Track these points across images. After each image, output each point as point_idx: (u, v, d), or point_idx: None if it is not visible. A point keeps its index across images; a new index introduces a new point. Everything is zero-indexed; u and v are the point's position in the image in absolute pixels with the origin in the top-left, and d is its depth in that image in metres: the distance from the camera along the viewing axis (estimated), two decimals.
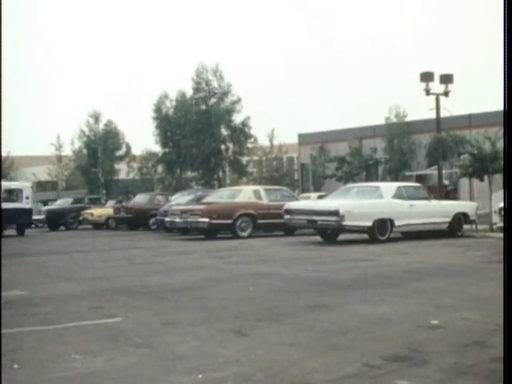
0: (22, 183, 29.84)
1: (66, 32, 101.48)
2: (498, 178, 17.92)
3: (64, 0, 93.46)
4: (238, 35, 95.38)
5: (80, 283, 10.01)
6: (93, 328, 6.41)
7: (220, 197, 22.16)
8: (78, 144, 49.10)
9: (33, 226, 33.59)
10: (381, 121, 38.56)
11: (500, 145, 19.18)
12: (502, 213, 13.66)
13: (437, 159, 27.29)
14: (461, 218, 18.81)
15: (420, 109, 42.51)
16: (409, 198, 17.86)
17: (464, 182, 28.33)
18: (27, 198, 26.47)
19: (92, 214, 31.14)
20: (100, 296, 8.52)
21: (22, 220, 26.16)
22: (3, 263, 11.30)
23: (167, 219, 21.86)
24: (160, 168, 46.90)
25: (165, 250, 16.56)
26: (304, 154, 42.43)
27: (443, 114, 26.66)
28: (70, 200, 34.40)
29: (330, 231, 17.85)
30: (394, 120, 38.25)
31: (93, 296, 8.53)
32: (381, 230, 17.08)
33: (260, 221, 20.49)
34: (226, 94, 42.65)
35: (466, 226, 19.15)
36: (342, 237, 18.09)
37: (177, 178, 45.18)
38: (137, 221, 27.57)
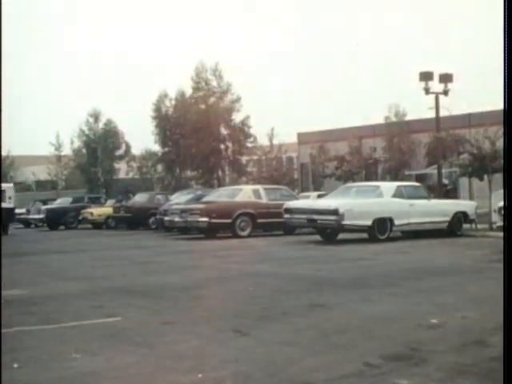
0: (5, 184, 30.40)
1: (65, 31, 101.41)
2: (498, 177, 17.92)
3: (64, 0, 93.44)
4: (237, 34, 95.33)
5: (80, 282, 10.01)
6: (93, 327, 6.41)
7: (219, 196, 22.14)
8: (77, 143, 49.16)
9: (32, 225, 33.66)
10: (380, 120, 38.60)
11: (499, 144, 19.17)
12: (502, 212, 13.66)
13: (436, 158, 27.28)
14: (460, 218, 18.81)
15: (419, 108, 42.57)
16: (408, 198, 17.85)
17: (464, 182, 28.30)
18: (10, 198, 27.25)
19: (92, 214, 31.10)
20: (100, 295, 8.52)
21: (5, 219, 26.56)
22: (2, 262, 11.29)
23: (167, 218, 21.85)
24: (159, 167, 46.90)
25: (164, 250, 16.56)
26: (303, 154, 42.39)
27: (443, 113, 26.70)
28: (70, 199, 34.35)
29: (330, 230, 17.84)
30: (394, 119, 38.27)
31: (93, 295, 8.53)
32: (380, 229, 17.07)
33: (259, 220, 20.47)
34: (225, 93, 42.67)
35: (465, 225, 19.15)
36: (341, 236, 18.09)
37: (176, 177, 45.18)
38: (136, 220, 27.53)
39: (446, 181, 31.02)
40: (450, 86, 25.57)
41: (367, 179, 33.60)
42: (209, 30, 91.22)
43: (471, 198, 25.71)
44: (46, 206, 33.51)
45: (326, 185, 35.99)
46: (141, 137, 59.15)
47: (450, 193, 29.65)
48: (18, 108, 75.32)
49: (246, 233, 20.21)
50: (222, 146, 43.40)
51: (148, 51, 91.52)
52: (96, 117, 48.62)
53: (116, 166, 48.84)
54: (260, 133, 43.64)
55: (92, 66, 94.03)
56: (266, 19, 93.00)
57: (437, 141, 27.14)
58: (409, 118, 37.97)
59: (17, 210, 35.90)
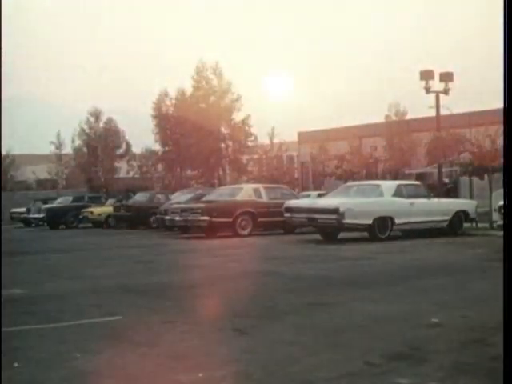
0: None
1: (66, 30, 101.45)
2: (498, 176, 17.90)
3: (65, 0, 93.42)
4: (237, 33, 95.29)
5: (79, 281, 10.01)
6: (93, 326, 6.41)
7: (220, 195, 22.14)
8: (77, 142, 49.14)
9: (33, 224, 33.66)
10: (381, 119, 38.60)
11: (500, 142, 19.15)
12: (502, 211, 13.65)
13: (437, 157, 27.26)
14: (461, 217, 18.79)
15: (420, 107, 42.52)
16: (409, 197, 17.84)
17: (464, 181, 28.30)
18: None
19: (92, 213, 31.08)
20: (100, 294, 8.52)
21: None
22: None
23: (167, 217, 21.85)
24: (160, 166, 46.87)
25: (165, 249, 16.55)
26: (304, 153, 42.44)
27: (443, 112, 26.69)
28: (70, 198, 34.34)
29: (330, 229, 17.82)
30: (394, 118, 38.26)
31: (93, 294, 8.53)
32: (381, 228, 17.05)
33: (260, 219, 20.46)
34: (225, 92, 42.65)
35: (466, 224, 19.14)
36: (342, 235, 18.08)
37: (176, 176, 45.16)
38: (137, 219, 27.50)
39: (446, 180, 31.02)
40: (450, 84, 25.57)
41: (367, 178, 33.61)
42: (209, 29, 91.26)
43: (472, 197, 25.71)
44: (46, 206, 33.50)
45: (326, 184, 36.01)
46: (141, 136, 59.22)
47: (451, 192, 29.65)
48: (19, 107, 75.37)
49: (246, 232, 20.19)
50: (223, 145, 43.40)
51: (148, 50, 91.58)
52: (96, 116, 48.62)
53: (116, 165, 48.83)
54: (260, 132, 43.67)
55: (93, 65, 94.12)
56: (266, 18, 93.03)
57: (437, 140, 27.11)
58: (409, 117, 37.96)
59: (17, 210, 36.00)
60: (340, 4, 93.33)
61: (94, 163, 47.69)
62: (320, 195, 24.87)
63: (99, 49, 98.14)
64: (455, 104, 28.59)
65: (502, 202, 13.49)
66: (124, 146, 49.27)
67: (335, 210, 16.49)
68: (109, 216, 30.18)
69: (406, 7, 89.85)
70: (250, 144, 43.42)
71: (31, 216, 33.48)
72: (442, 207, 18.59)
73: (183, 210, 20.93)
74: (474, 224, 19.63)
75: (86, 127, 48.65)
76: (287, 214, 18.18)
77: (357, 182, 23.08)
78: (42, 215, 32.25)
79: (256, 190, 21.51)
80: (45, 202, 35.18)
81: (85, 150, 48.67)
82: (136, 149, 48.97)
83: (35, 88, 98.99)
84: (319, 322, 6.31)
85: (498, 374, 4.30)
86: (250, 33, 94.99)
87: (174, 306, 7.57)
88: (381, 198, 17.64)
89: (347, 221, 16.59)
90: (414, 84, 26.08)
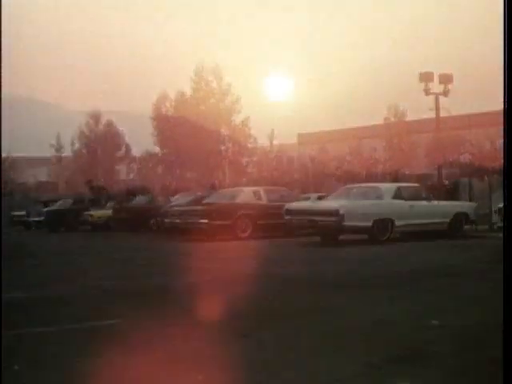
0: None
1: (66, 32, 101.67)
2: (498, 177, 17.91)
3: (65, 1, 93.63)
4: (237, 35, 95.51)
5: (79, 284, 10.00)
6: (93, 329, 6.41)
7: (220, 198, 22.13)
8: (77, 145, 49.17)
9: (33, 227, 33.62)
10: (380, 121, 38.66)
11: (500, 144, 19.15)
12: (502, 213, 13.65)
13: (436, 159, 27.27)
14: (461, 218, 18.78)
15: (420, 109, 42.54)
16: (408, 199, 17.85)
17: (464, 182, 28.30)
18: None
19: (92, 215, 31.03)
20: (100, 297, 8.52)
21: None
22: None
23: (167, 220, 21.85)
24: (160, 169, 46.89)
25: (164, 251, 16.55)
26: (304, 154, 42.43)
27: (443, 113, 26.72)
28: (70, 201, 34.29)
29: (330, 232, 17.80)
30: (393, 120, 38.31)
31: (93, 297, 8.53)
32: (381, 231, 17.05)
33: (260, 221, 20.43)
34: (225, 93, 42.69)
35: (465, 226, 19.13)
36: (342, 237, 18.06)
37: (176, 178, 45.19)
38: (137, 222, 27.47)
39: (446, 181, 31.00)
40: (449, 86, 25.62)
41: (367, 180, 33.58)
42: (209, 30, 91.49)
43: (471, 198, 25.69)
44: (46, 208, 33.45)
45: (326, 185, 36.01)
46: (141, 138, 59.34)
47: (450, 194, 29.62)
48: (19, 109, 75.52)
49: (246, 234, 20.17)
50: (222, 147, 43.43)
51: (148, 52, 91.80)
52: (96, 118, 48.66)
53: (116, 167, 48.87)
54: (260, 133, 43.74)
55: (92, 68, 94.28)
56: (266, 20, 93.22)
57: (437, 141, 27.14)
58: (409, 118, 38.02)
59: (17, 213, 35.97)
60: (340, 6, 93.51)
61: (94, 166, 47.71)
62: (320, 197, 24.85)
63: (99, 51, 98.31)
64: (455, 106, 28.62)
65: (501, 204, 13.49)
66: (124, 148, 49.30)
67: (335, 212, 16.50)
68: (109, 219, 30.14)
69: (406, 9, 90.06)
70: (249, 146, 43.46)
71: (31, 219, 33.45)
72: (441, 209, 18.58)
73: (183, 213, 20.93)
74: (473, 226, 19.62)
75: (85, 130, 48.71)
76: (287, 217, 18.16)
77: (357, 184, 23.07)
78: (41, 218, 32.20)
79: (256, 193, 21.50)
80: (45, 204, 35.14)
81: (85, 152, 48.71)
82: (136, 151, 49.04)
83: (35, 90, 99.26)
84: (319, 325, 6.31)
85: (497, 375, 4.30)
86: (250, 34, 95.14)
87: (173, 308, 7.57)
88: (380, 200, 17.64)
89: (347, 223, 16.59)
90: (414, 86, 26.17)
